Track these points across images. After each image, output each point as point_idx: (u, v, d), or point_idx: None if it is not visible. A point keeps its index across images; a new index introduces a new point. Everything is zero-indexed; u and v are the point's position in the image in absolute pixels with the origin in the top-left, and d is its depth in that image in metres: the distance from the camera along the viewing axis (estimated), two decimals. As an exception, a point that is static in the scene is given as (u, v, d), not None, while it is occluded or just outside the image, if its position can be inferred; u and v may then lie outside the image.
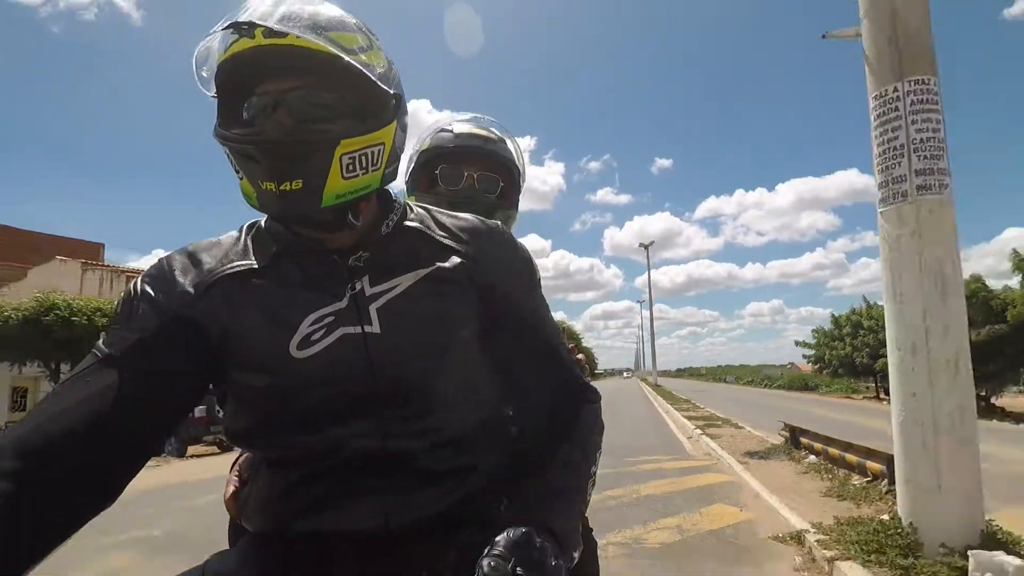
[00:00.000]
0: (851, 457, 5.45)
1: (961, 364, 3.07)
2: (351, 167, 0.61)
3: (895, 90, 3.23)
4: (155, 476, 7.08)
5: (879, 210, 3.35)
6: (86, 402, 0.54)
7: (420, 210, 0.73)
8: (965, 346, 3.11)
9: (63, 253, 18.67)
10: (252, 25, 0.56)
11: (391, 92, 0.64)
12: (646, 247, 41.98)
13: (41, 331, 12.12)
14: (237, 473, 0.80)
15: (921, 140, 3.16)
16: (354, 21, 0.63)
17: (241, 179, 0.62)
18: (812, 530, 3.62)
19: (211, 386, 0.66)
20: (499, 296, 0.68)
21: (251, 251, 0.66)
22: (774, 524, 4.07)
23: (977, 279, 18.17)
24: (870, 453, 5.17)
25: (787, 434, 7.50)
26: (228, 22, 0.57)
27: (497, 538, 0.53)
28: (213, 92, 0.62)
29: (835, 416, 15.05)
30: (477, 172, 1.10)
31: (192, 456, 10.05)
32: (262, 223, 0.70)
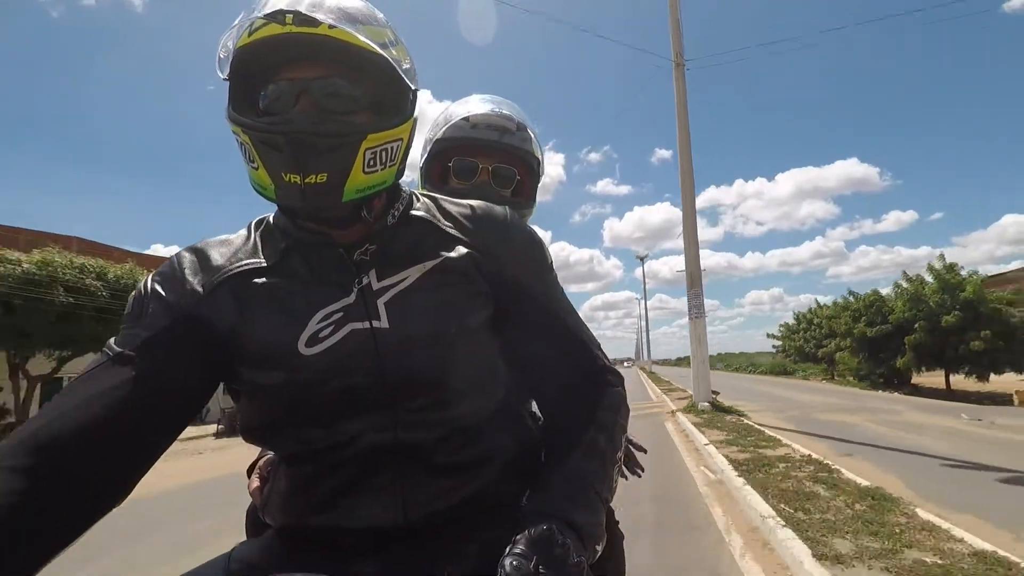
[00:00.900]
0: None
1: (703, 362, 11.49)
2: (372, 162, 0.61)
3: (695, 295, 11.48)
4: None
5: (689, 318, 11.61)
6: (97, 400, 0.54)
7: (426, 199, 0.73)
8: (707, 356, 11.34)
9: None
10: (283, 12, 0.56)
11: (413, 88, 0.65)
12: (642, 259, 49.78)
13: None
14: (258, 474, 0.81)
15: (696, 308, 11.44)
16: (381, 16, 0.64)
17: (256, 168, 0.61)
18: (679, 411, 11.71)
19: (223, 384, 0.66)
20: (510, 284, 0.68)
21: (260, 249, 0.66)
22: (672, 414, 12.15)
23: (875, 292, 26.51)
24: (716, 402, 13.39)
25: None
26: (263, 10, 0.57)
27: (518, 536, 0.53)
28: (227, 74, 0.61)
29: (762, 388, 23.33)
30: (492, 165, 1.06)
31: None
32: (270, 219, 0.70)
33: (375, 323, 0.61)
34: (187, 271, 0.64)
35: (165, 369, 0.58)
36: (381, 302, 0.63)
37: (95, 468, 0.53)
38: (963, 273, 23.14)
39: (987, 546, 2.97)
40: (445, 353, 0.62)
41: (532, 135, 1.10)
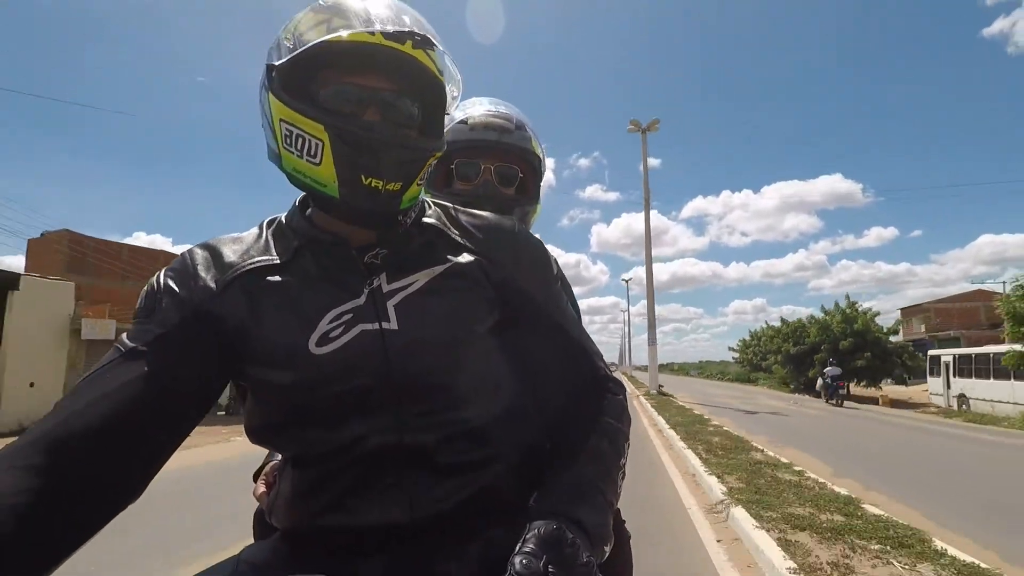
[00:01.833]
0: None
1: (655, 368, 19.88)
2: (423, 177, 0.66)
3: (652, 332, 19.71)
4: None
5: (648, 344, 19.81)
6: (110, 397, 0.54)
7: (437, 207, 0.74)
8: (656, 365, 19.63)
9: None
10: (373, 23, 0.59)
11: (450, 115, 0.68)
12: (626, 281, 58.09)
13: None
14: (264, 480, 0.82)
15: (652, 338, 19.68)
16: (437, 36, 0.64)
17: (317, 164, 0.61)
18: (640, 395, 19.74)
19: (232, 382, 0.66)
20: (516, 292, 0.69)
21: (272, 247, 0.67)
22: (636, 397, 20.21)
23: (798, 320, 35.25)
24: (661, 391, 21.56)
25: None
26: (376, 27, 0.59)
27: (528, 535, 0.53)
28: (287, 58, 0.61)
29: (700, 387, 32.04)
30: (494, 165, 1.08)
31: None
32: (282, 218, 0.70)
33: (384, 324, 0.62)
34: (199, 267, 0.64)
35: (177, 366, 0.58)
36: (391, 304, 0.63)
37: (108, 465, 0.53)
38: (861, 309, 31.62)
39: (741, 433, 10.57)
40: (452, 356, 0.63)
41: (531, 134, 1.12)
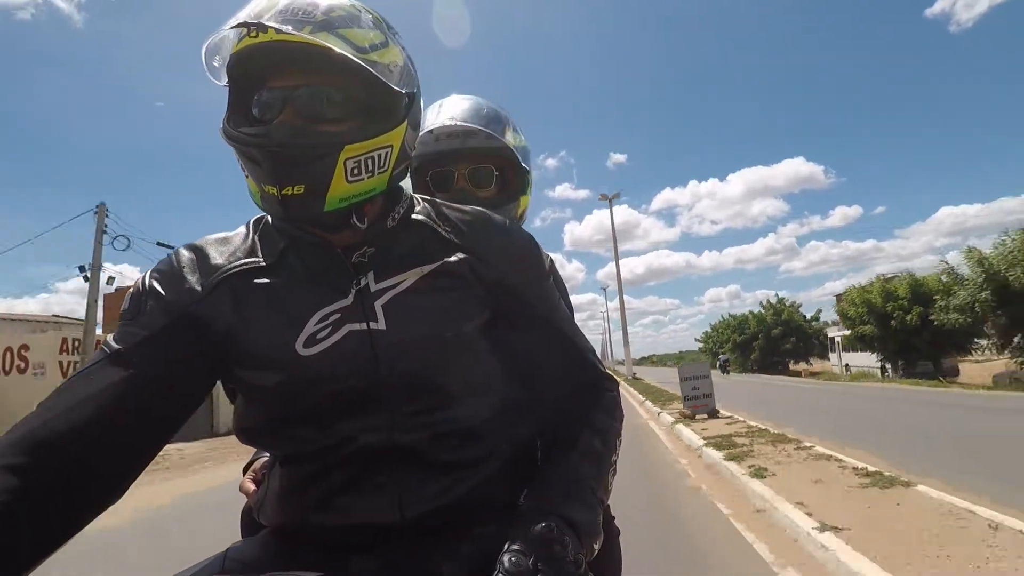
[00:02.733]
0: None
1: (631, 361, 28.18)
2: (356, 171, 0.60)
3: (627, 346, 28.12)
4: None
5: (624, 346, 28.19)
6: (94, 398, 0.54)
7: (427, 204, 0.73)
8: (631, 360, 28.00)
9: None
10: (261, 26, 0.56)
11: (403, 92, 0.63)
12: (605, 289, 64.29)
13: None
14: (252, 477, 0.82)
15: (626, 347, 28.12)
16: (371, 16, 0.62)
17: (248, 178, 0.61)
18: (621, 380, 28.03)
19: (221, 383, 0.66)
20: (507, 290, 0.68)
21: (258, 248, 0.66)
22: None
23: (743, 315, 44.46)
24: (635, 376, 29.94)
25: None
26: (238, 19, 0.56)
27: (517, 532, 0.53)
28: (224, 82, 0.61)
29: (667, 374, 40.32)
30: (467, 169, 1.07)
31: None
32: (268, 218, 0.69)
33: (372, 324, 0.61)
34: (185, 269, 0.64)
35: (162, 368, 0.58)
36: (378, 304, 0.62)
37: (91, 467, 0.52)
38: (788, 303, 40.86)
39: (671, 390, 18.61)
40: (441, 357, 0.62)
41: (504, 125, 1.10)
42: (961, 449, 6.03)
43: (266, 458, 0.82)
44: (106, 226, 13.44)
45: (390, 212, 0.68)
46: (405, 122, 0.65)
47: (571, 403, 0.70)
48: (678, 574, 2.98)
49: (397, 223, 0.68)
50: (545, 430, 0.72)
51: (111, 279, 13.88)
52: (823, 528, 3.18)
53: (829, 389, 19.93)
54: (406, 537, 0.61)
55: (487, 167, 1.09)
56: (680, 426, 8.68)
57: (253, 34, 0.57)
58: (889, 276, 26.11)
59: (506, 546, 0.52)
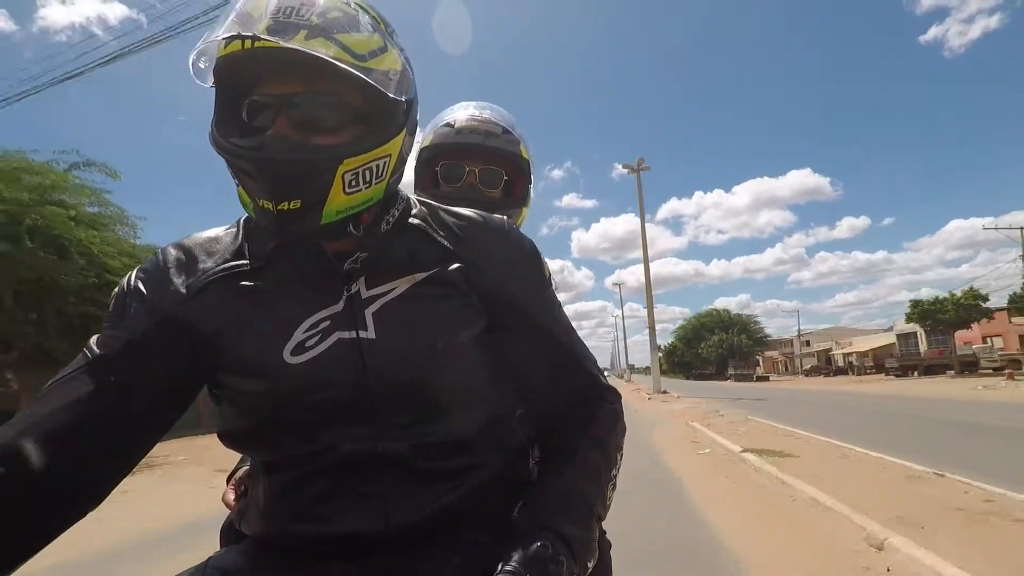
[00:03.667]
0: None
1: (658, 374, 47.27)
2: (354, 183, 0.58)
3: (654, 346, 47.65)
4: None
5: (650, 352, 47.41)
6: (75, 404, 0.53)
7: (423, 207, 0.71)
8: (658, 371, 44.79)
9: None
10: (254, 37, 0.53)
11: (402, 100, 0.61)
12: (618, 286, 65.77)
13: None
14: (234, 486, 0.81)
15: (652, 351, 47.62)
16: (369, 18, 0.59)
17: (238, 186, 0.59)
18: (649, 396, 45.75)
19: (206, 387, 0.65)
20: (503, 298, 0.66)
21: (247, 250, 0.64)
22: (649, 399, 43.66)
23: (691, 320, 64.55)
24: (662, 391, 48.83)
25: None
26: (227, 30, 0.53)
27: (513, 551, 0.52)
28: (211, 83, 0.58)
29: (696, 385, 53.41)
30: (479, 167, 1.08)
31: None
32: None
33: (362, 333, 0.60)
34: (172, 270, 0.62)
35: (146, 373, 0.57)
36: (369, 312, 0.61)
37: (71, 473, 0.52)
38: (746, 315, 56.75)
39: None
40: (430, 367, 0.61)
41: (519, 137, 1.13)
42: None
43: (248, 467, 0.80)
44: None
45: (384, 216, 0.66)
46: (404, 130, 0.63)
47: (570, 415, 0.69)
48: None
49: (392, 227, 0.67)
50: (542, 442, 0.72)
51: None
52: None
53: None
54: (391, 547, 0.60)
55: (498, 170, 1.11)
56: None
57: (247, 44, 0.54)
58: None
59: (500, 566, 0.51)
